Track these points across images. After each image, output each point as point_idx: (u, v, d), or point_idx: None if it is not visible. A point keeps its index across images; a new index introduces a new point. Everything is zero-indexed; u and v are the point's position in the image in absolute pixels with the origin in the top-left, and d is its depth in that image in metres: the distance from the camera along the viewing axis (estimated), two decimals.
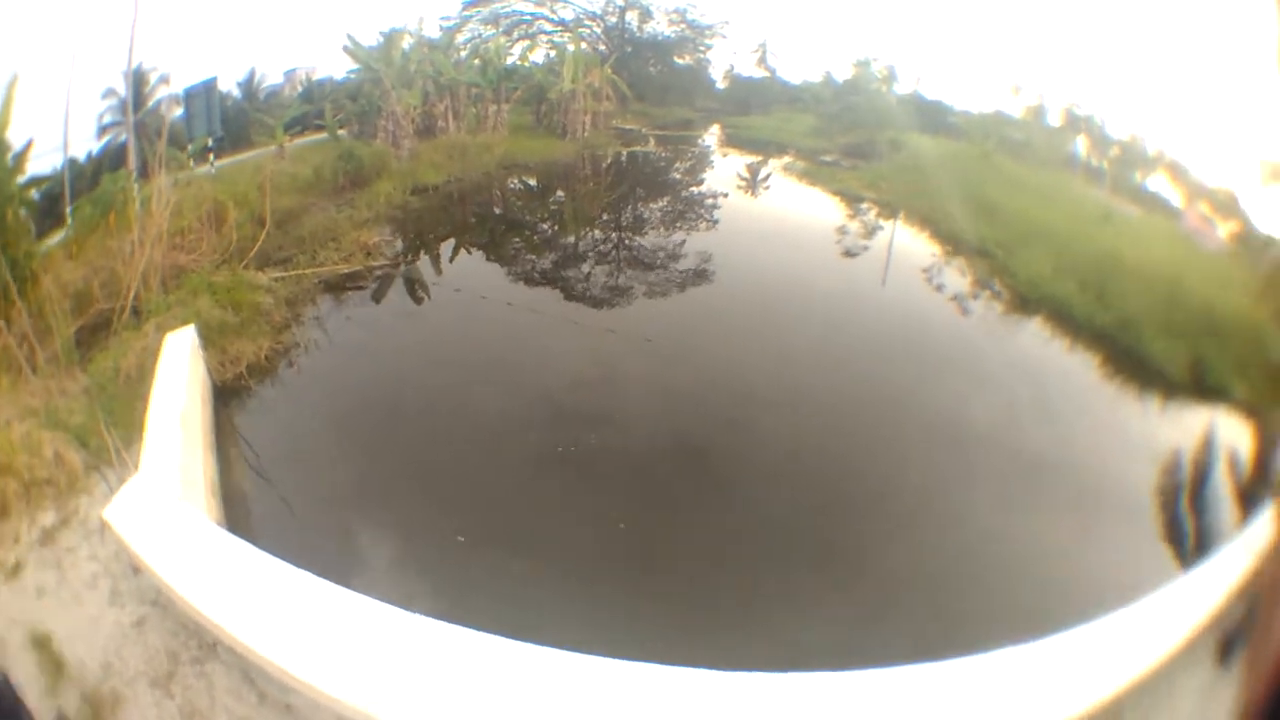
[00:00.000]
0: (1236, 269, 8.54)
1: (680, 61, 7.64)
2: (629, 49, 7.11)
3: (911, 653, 2.20)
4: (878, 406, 5.07)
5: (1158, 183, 9.60)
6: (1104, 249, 8.16)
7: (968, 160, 9.43)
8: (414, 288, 5.95)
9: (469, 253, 6.90)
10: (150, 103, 5.34)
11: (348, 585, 2.43)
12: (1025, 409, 5.91)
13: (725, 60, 7.77)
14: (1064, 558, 3.52)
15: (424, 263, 6.55)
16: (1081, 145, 9.90)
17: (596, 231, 7.06)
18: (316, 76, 6.74)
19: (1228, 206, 9.55)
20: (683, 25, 7.39)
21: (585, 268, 6.39)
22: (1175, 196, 9.82)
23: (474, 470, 3.88)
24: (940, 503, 4.14)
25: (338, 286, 5.53)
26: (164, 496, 2.87)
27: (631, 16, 7.09)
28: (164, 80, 5.38)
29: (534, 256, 6.69)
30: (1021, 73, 9.82)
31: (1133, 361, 6.94)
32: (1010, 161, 9.53)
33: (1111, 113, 9.79)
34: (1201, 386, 6.84)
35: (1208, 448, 6.47)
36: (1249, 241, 8.72)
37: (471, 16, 7.25)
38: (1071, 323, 7.20)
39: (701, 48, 7.61)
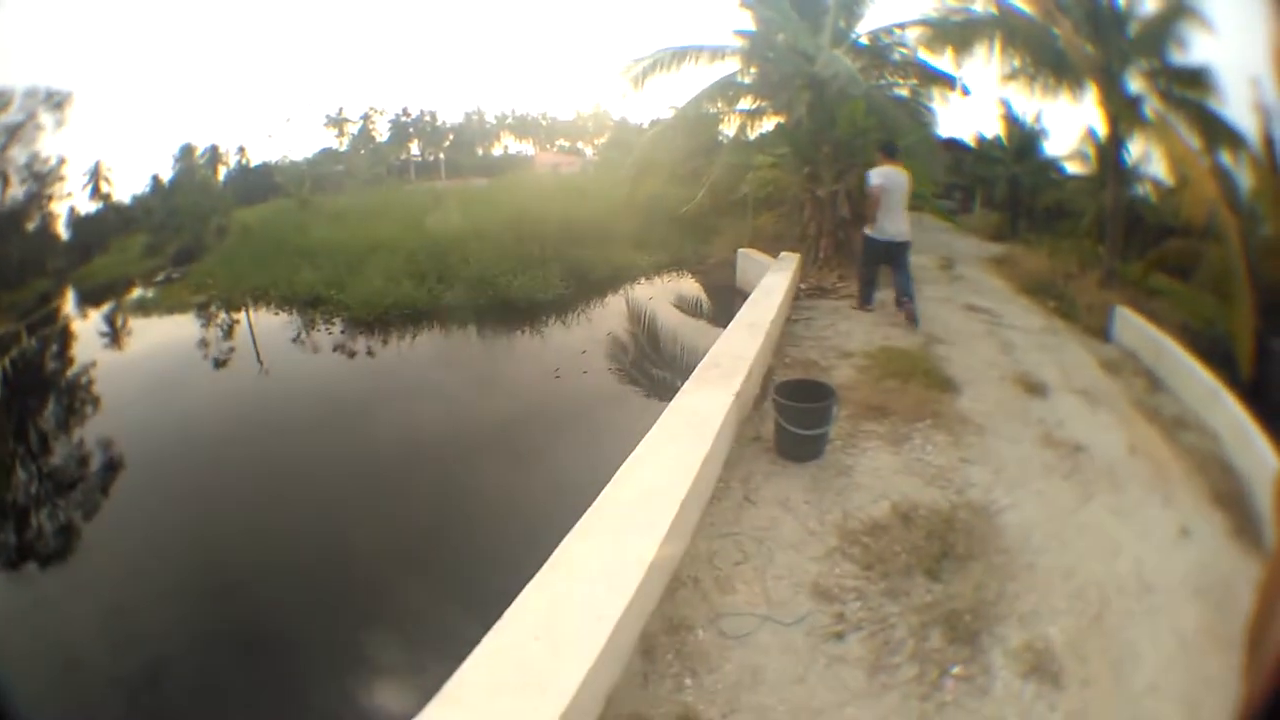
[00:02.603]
0: (608, 170, 9.77)
1: (29, 225, 6.71)
2: None
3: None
4: (336, 476, 5.31)
5: (508, 144, 10.90)
6: (437, 232, 8.70)
7: (286, 215, 9.29)
8: None
9: None
10: None
11: None
12: (496, 388, 6.71)
13: (66, 204, 6.98)
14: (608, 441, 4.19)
15: None
16: (416, 147, 9.59)
17: (20, 472, 6.25)
18: None
19: (598, 123, 11.54)
20: (30, 180, 6.55)
21: (31, 522, 5.60)
22: (527, 148, 11.21)
23: None
24: (527, 453, 5.28)
25: None
26: None
27: None
28: None
29: None
30: (337, 107, 10.46)
31: (505, 304, 7.75)
32: (331, 197, 9.55)
33: (445, 105, 10.22)
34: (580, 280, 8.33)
35: (638, 319, 7.85)
36: (623, 143, 9.49)
37: None
38: (427, 311, 7.68)
39: (45, 199, 6.78)
